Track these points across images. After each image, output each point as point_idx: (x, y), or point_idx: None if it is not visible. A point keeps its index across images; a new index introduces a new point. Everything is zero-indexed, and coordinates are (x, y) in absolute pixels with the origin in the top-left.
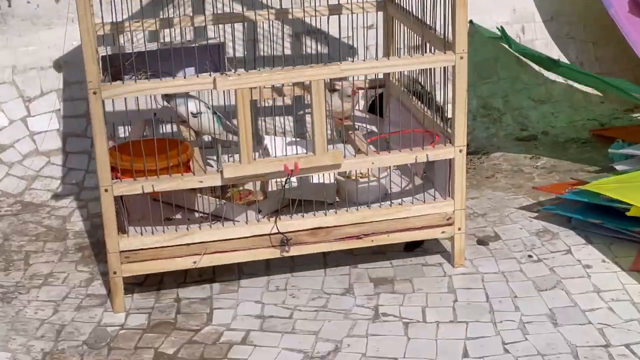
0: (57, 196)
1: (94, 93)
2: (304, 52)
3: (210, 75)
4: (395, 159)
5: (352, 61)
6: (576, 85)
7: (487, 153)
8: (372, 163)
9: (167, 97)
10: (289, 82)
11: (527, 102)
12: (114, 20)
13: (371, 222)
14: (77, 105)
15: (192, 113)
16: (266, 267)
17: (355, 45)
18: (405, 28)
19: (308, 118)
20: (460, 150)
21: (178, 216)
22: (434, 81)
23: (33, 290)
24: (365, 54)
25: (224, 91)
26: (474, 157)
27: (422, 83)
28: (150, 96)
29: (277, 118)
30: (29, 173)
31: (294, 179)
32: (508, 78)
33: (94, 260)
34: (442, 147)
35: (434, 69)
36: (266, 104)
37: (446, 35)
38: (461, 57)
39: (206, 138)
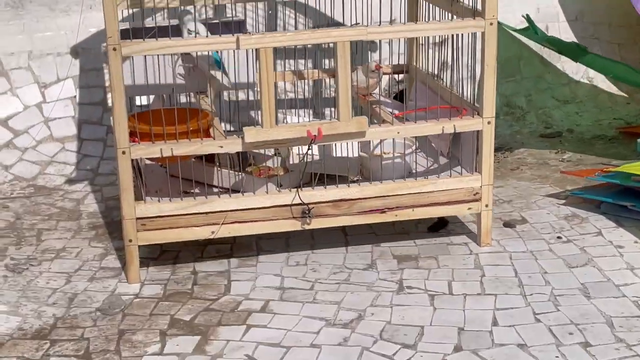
0: (71, 181)
1: (114, 49)
2: (325, 45)
3: (233, 35)
4: (422, 129)
5: (379, 24)
6: (601, 85)
7: (511, 149)
8: (398, 132)
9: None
10: (313, 42)
11: (551, 101)
12: None
13: (395, 195)
14: (94, 93)
15: (188, 30)
16: (285, 244)
17: (376, 41)
18: (431, 9)
19: (327, 110)
20: (489, 122)
21: (196, 190)
22: (461, 76)
23: (45, 262)
24: (390, 48)
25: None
26: (497, 153)
27: (444, 78)
28: (172, 69)
29: (295, 110)
30: (42, 158)
31: (316, 152)
32: (531, 77)
33: (108, 238)
34: (470, 118)
35: (460, 64)
36: (285, 97)
37: (474, 5)
38: (491, 23)
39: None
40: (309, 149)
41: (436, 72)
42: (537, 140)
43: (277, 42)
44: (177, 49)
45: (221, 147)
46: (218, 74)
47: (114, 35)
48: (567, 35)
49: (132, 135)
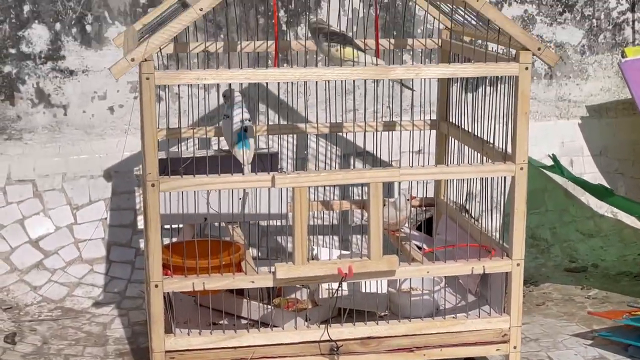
0: (98, 304)
1: (152, 185)
2: None
3: (268, 174)
4: (451, 269)
5: (411, 166)
6: (625, 220)
7: (537, 282)
8: (427, 272)
9: (225, 98)
10: (347, 183)
11: (576, 234)
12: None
13: (424, 334)
14: (124, 215)
15: (224, 114)
16: None
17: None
18: (458, 150)
19: (353, 237)
20: (518, 264)
21: (224, 322)
22: (489, 207)
23: None
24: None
25: None
26: (523, 287)
27: (469, 209)
28: (207, 200)
29: (321, 237)
30: (71, 280)
31: (345, 287)
32: (556, 210)
33: None
34: (499, 259)
35: (488, 197)
36: (313, 223)
37: (505, 148)
38: (521, 168)
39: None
40: (339, 287)
41: (463, 202)
42: (562, 274)
43: (312, 182)
44: (214, 186)
45: (252, 282)
46: (239, 154)
47: (153, 171)
48: (591, 169)
49: (165, 267)
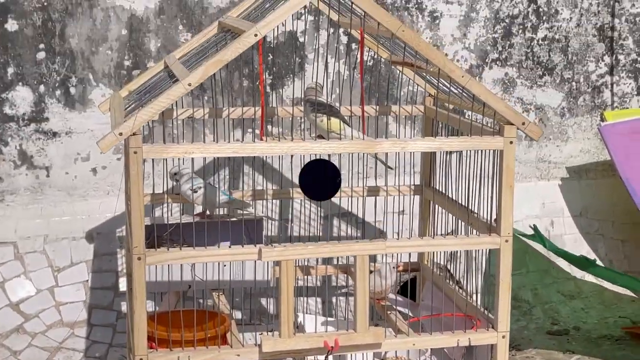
0: None
1: (139, 259)
2: (338, 234)
3: (255, 246)
4: (437, 341)
5: (397, 239)
6: (606, 283)
7: (519, 346)
8: (413, 344)
9: (175, 175)
10: (334, 256)
11: (557, 296)
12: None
13: None
14: (106, 277)
15: (191, 189)
16: None
17: (385, 230)
18: (442, 212)
19: (337, 300)
20: (503, 337)
21: None
22: (466, 268)
23: None
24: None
25: None
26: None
27: (452, 270)
28: (191, 269)
29: (304, 299)
30: (51, 344)
31: (330, 358)
32: (537, 271)
33: None
34: (485, 331)
35: (468, 256)
36: (295, 284)
37: (489, 219)
38: (506, 240)
39: None
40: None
41: (445, 262)
42: (544, 337)
43: (299, 255)
44: (201, 259)
45: (238, 355)
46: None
47: (140, 245)
48: (571, 230)
49: (149, 339)
